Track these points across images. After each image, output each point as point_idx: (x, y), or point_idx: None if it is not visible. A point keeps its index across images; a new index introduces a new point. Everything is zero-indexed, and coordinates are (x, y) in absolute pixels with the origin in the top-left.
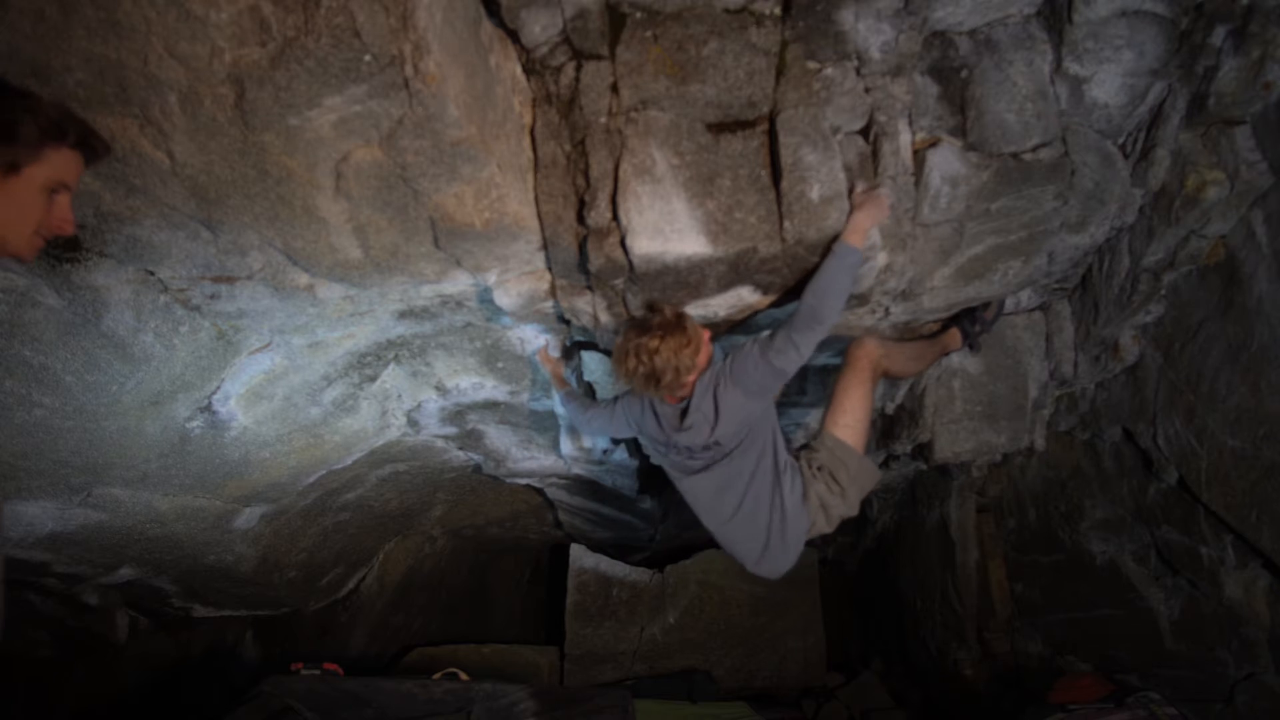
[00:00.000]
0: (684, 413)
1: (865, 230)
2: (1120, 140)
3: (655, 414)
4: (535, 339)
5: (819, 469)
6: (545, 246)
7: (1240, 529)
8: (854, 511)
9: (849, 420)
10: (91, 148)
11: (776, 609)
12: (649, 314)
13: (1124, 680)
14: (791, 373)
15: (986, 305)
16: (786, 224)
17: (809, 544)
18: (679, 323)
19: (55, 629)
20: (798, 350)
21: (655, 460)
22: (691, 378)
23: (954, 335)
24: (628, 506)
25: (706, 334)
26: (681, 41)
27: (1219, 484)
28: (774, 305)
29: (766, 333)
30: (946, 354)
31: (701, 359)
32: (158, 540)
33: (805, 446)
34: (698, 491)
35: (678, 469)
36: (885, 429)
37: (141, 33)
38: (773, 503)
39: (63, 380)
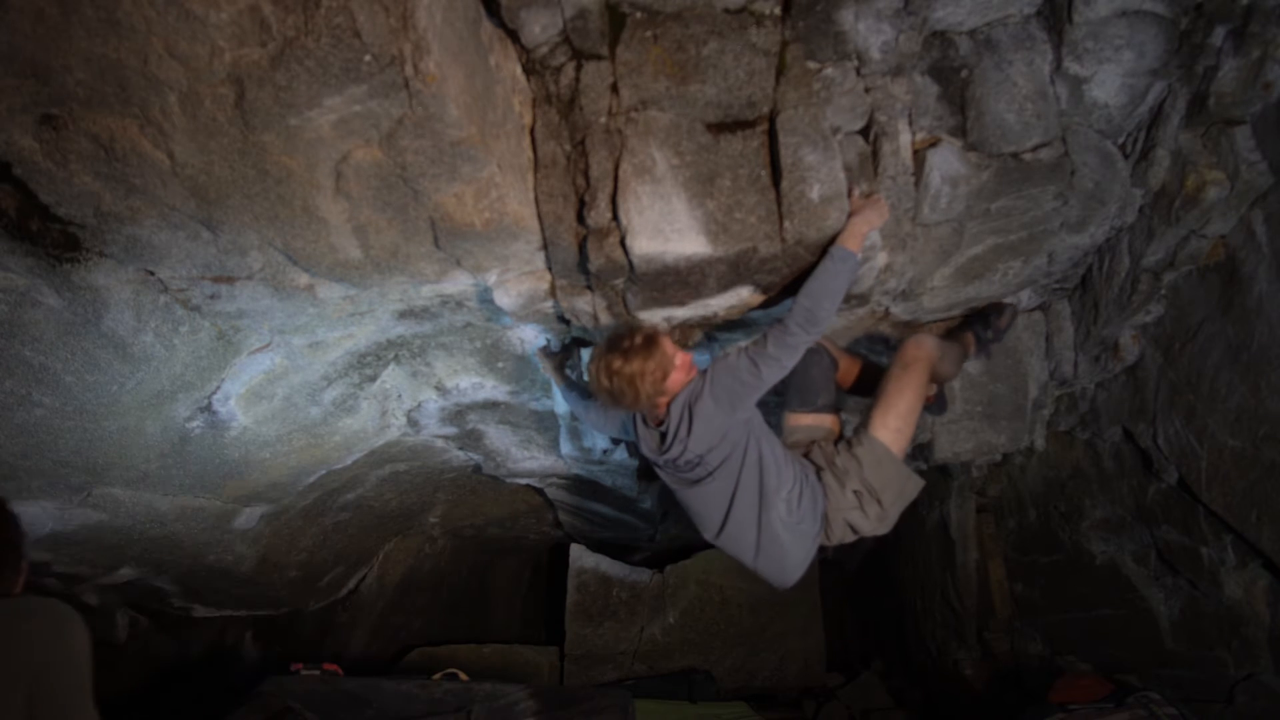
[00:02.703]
0: (662, 436)
1: (863, 235)
2: (1120, 140)
3: (639, 432)
4: (535, 339)
5: (856, 491)
6: (545, 246)
7: (1240, 529)
8: (887, 529)
9: (899, 424)
10: None
11: (776, 609)
12: (623, 332)
13: (1124, 680)
14: (773, 381)
15: (1000, 312)
16: (786, 224)
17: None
18: (649, 345)
19: None
20: (790, 354)
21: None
22: (663, 399)
23: (969, 340)
24: (628, 506)
25: (685, 357)
26: (681, 41)
27: (1219, 484)
28: (772, 304)
29: (751, 340)
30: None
31: (673, 382)
32: (158, 540)
33: (840, 444)
34: (689, 503)
35: (671, 480)
36: None
37: (141, 33)
38: (759, 525)
39: (63, 380)
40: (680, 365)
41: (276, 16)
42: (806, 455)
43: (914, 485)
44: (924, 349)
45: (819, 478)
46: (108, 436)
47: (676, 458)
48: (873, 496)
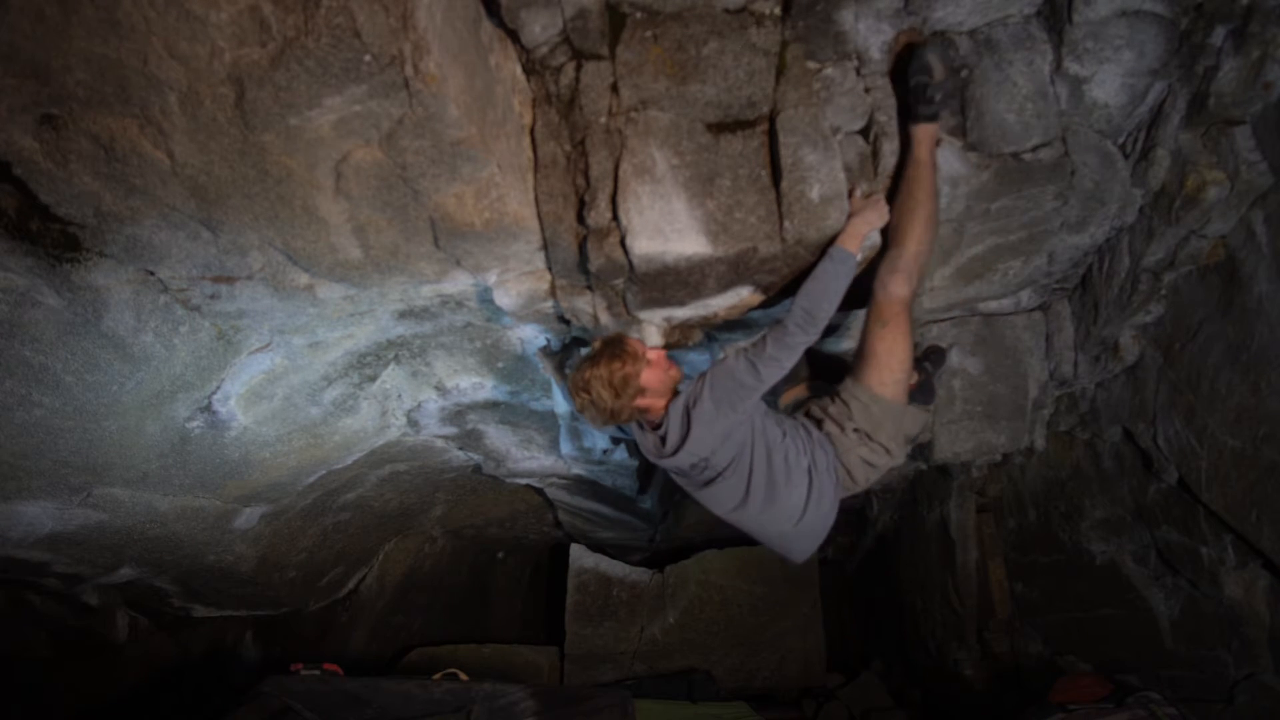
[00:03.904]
0: (663, 439)
1: (862, 235)
2: (1120, 140)
3: (639, 435)
4: (535, 339)
5: (856, 430)
6: (545, 246)
7: (1240, 529)
8: (901, 460)
9: (886, 377)
10: None
11: (776, 609)
12: (595, 347)
13: (1124, 680)
14: (774, 381)
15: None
16: (786, 224)
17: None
18: (614, 345)
19: (55, 629)
20: (791, 354)
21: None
22: (651, 401)
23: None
24: (628, 506)
25: (658, 353)
26: (681, 41)
27: (1219, 484)
28: (772, 304)
29: (750, 343)
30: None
31: (649, 379)
32: (158, 540)
33: (835, 396)
34: (704, 500)
35: (684, 484)
36: None
37: (141, 33)
38: (766, 506)
39: (63, 380)
40: (655, 361)
41: (276, 16)
42: (807, 414)
43: (913, 419)
44: (890, 296)
45: (821, 429)
46: (108, 436)
47: (681, 463)
48: (868, 436)
